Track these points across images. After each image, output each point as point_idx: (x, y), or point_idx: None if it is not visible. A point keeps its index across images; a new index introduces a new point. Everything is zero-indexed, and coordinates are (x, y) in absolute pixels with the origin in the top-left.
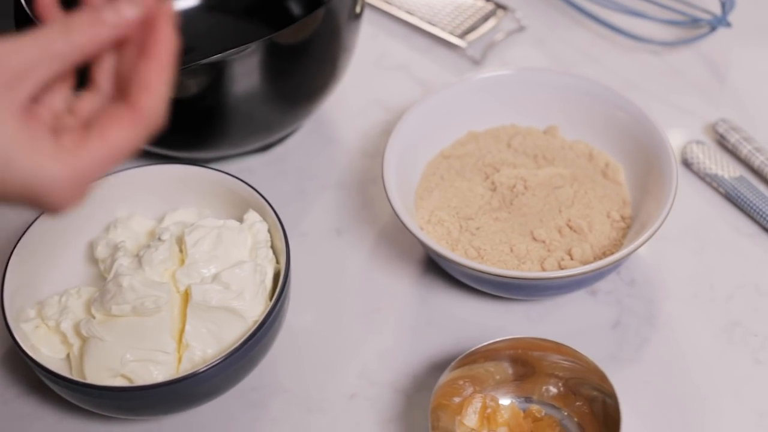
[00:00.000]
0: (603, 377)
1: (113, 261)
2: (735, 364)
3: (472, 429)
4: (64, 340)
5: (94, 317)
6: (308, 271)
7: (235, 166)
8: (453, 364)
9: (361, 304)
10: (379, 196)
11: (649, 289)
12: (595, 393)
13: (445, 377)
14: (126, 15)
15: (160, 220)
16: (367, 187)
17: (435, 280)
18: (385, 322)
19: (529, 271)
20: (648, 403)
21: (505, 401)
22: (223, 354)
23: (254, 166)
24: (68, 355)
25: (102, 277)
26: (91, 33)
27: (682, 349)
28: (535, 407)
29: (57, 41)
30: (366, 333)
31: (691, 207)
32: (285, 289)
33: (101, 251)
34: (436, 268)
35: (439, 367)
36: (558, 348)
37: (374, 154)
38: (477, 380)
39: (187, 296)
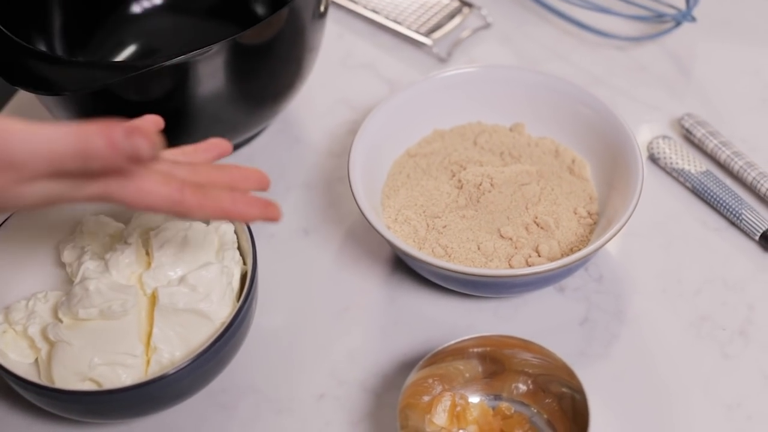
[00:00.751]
0: (571, 374)
1: (80, 265)
2: (703, 359)
3: (442, 428)
4: (32, 344)
5: (61, 321)
6: (276, 272)
7: None
8: (421, 362)
9: (329, 303)
10: (346, 196)
11: (617, 285)
12: (564, 389)
13: (414, 376)
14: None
15: (127, 222)
16: (334, 187)
17: (403, 279)
18: (354, 322)
19: (496, 268)
20: (617, 399)
21: (474, 399)
22: (191, 356)
23: None
24: (36, 360)
25: (69, 280)
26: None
27: (650, 344)
28: (504, 405)
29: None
30: (335, 333)
31: (658, 202)
32: (252, 290)
33: (68, 255)
34: (404, 267)
35: (408, 366)
36: (526, 345)
37: (341, 153)
38: (446, 379)
39: (154, 299)
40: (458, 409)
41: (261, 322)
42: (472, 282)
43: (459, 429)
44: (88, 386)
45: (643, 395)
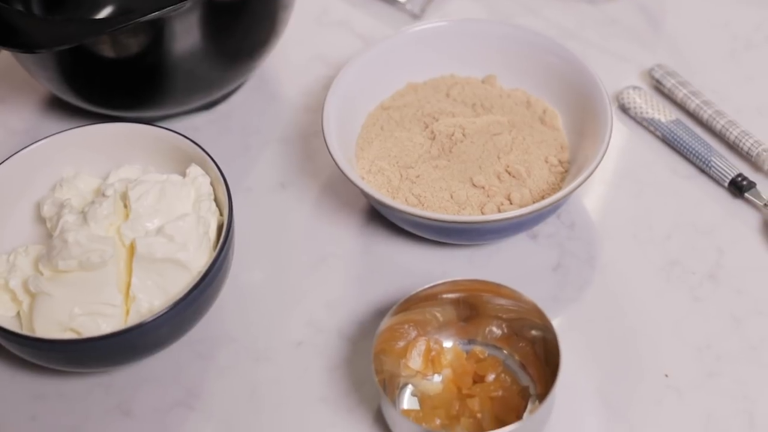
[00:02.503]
0: (542, 316)
1: (59, 218)
2: (674, 302)
3: (417, 372)
4: (14, 297)
5: (42, 274)
6: (254, 225)
7: (180, 124)
8: (394, 308)
9: (306, 254)
10: (322, 150)
11: (588, 232)
12: (536, 333)
13: (387, 322)
14: None
15: (105, 178)
16: (310, 141)
17: (378, 230)
18: (331, 272)
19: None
20: (589, 341)
21: (448, 344)
22: (169, 304)
23: (199, 124)
24: (18, 313)
25: (49, 235)
26: None
27: (622, 288)
28: (478, 349)
29: None
30: (312, 283)
31: (628, 151)
32: (228, 238)
33: (47, 210)
34: (379, 218)
35: (384, 313)
36: (498, 289)
37: (316, 108)
38: (420, 324)
39: (132, 250)
40: (433, 353)
41: (238, 273)
42: (445, 229)
43: (433, 373)
44: (68, 336)
45: (615, 337)
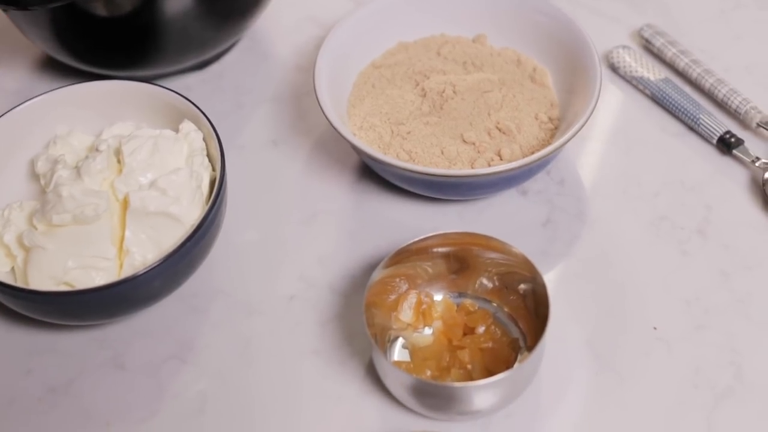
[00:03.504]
0: (532, 268)
1: (53, 174)
2: (662, 256)
3: (408, 324)
4: (8, 252)
5: (36, 228)
6: (246, 182)
7: (173, 84)
8: (385, 260)
9: (298, 211)
10: (313, 109)
11: (578, 188)
12: (525, 285)
13: (378, 274)
14: None
15: (99, 135)
16: (302, 100)
17: (370, 186)
18: (322, 228)
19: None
20: (578, 295)
21: (438, 297)
22: (162, 257)
23: (192, 84)
24: (12, 268)
25: (43, 192)
26: None
27: (611, 243)
28: (468, 301)
29: None
30: (304, 238)
31: (618, 109)
32: (221, 192)
33: (41, 166)
34: (371, 174)
35: (375, 267)
36: (487, 242)
37: (308, 68)
38: (411, 278)
39: (125, 204)
40: (423, 306)
41: (231, 229)
42: (436, 183)
43: (424, 326)
44: (63, 289)
45: (604, 291)
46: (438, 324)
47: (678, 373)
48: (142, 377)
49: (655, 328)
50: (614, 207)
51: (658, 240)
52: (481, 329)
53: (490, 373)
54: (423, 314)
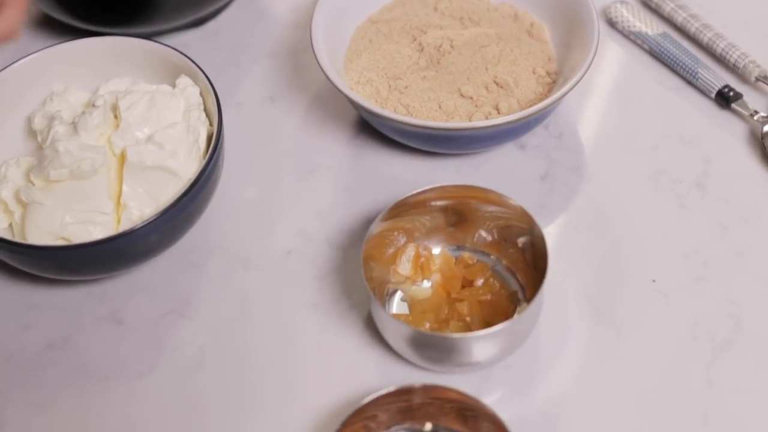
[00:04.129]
0: (529, 218)
1: (50, 130)
2: (661, 209)
3: (406, 277)
4: (6, 208)
5: (33, 184)
6: (243, 138)
7: (170, 41)
8: (383, 214)
9: (295, 166)
10: (310, 65)
11: (576, 142)
12: (524, 239)
13: (376, 228)
14: None
15: (95, 91)
16: (299, 57)
17: (367, 141)
18: (320, 183)
19: None
20: (577, 248)
21: (437, 250)
22: (160, 211)
23: (188, 41)
24: (10, 225)
25: (40, 149)
26: None
27: (609, 196)
28: (467, 254)
29: None
30: (301, 193)
31: (616, 64)
32: (219, 145)
33: (38, 122)
34: (368, 129)
35: (373, 221)
36: (485, 195)
37: (305, 25)
38: (409, 231)
39: (122, 158)
40: (422, 259)
41: (228, 184)
42: (433, 137)
43: (422, 279)
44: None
45: (603, 244)
46: (436, 277)
47: (677, 325)
48: (140, 332)
49: (653, 281)
50: (612, 161)
51: (657, 193)
52: (479, 282)
53: (488, 325)
54: (421, 267)
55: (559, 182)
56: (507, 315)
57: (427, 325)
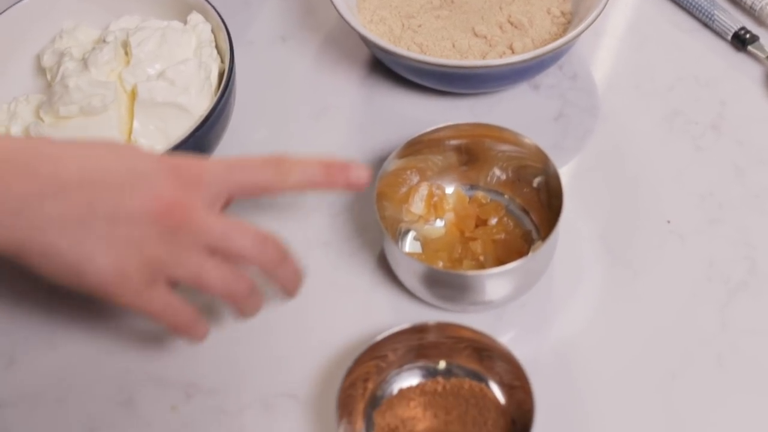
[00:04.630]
0: (545, 159)
1: (59, 66)
2: (676, 151)
3: (420, 216)
4: None
5: (43, 121)
6: (255, 78)
7: None
8: (396, 152)
9: (308, 105)
10: (322, 4)
11: (591, 83)
12: (539, 178)
13: (389, 165)
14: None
15: (105, 28)
16: None
17: (380, 80)
18: (332, 122)
19: None
20: (591, 189)
21: (450, 189)
22: (170, 146)
23: None
24: None
25: (49, 86)
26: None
27: (624, 137)
28: (480, 193)
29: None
30: (313, 133)
31: (631, 5)
32: (230, 82)
33: (48, 60)
34: (381, 69)
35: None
36: (500, 133)
37: None
38: (422, 171)
39: (133, 95)
40: (435, 198)
41: (240, 125)
42: (447, 76)
43: (435, 218)
44: None
45: (617, 185)
46: (450, 216)
47: (691, 266)
48: None
49: (668, 222)
50: (627, 102)
51: (672, 135)
52: (493, 221)
53: (502, 264)
54: (434, 206)
55: (573, 123)
56: (521, 254)
57: (441, 264)
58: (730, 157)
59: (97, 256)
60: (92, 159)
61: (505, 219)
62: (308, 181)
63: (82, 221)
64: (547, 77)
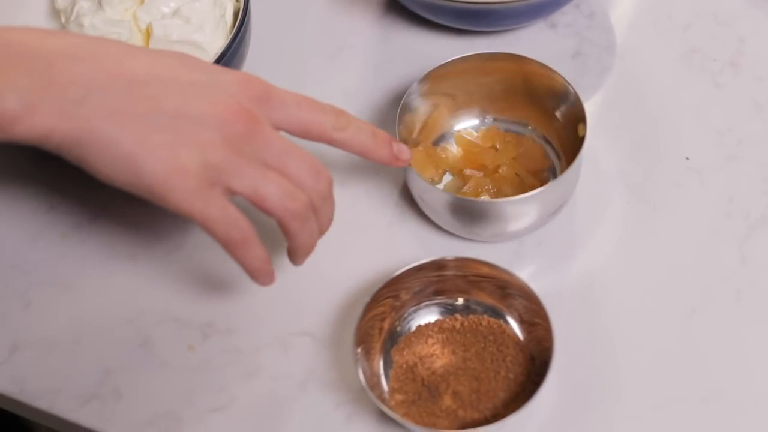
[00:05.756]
0: (568, 88)
1: (74, 7)
2: (694, 88)
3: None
4: None
5: None
6: (269, 18)
7: None
8: (418, 82)
9: (323, 45)
10: None
11: (608, 21)
12: (562, 108)
13: (411, 97)
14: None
15: None
16: None
17: (396, 20)
18: (348, 62)
19: None
20: (610, 126)
21: (469, 123)
22: None
23: None
24: None
25: (64, 28)
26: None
27: (642, 74)
28: (502, 125)
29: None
30: (328, 73)
31: None
32: (246, 20)
33: (62, 1)
34: (397, 8)
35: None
36: (523, 63)
37: None
38: (443, 103)
39: (148, 33)
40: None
41: (255, 66)
42: (464, 12)
43: (444, 172)
44: None
45: (636, 122)
46: (457, 161)
47: (711, 202)
48: (169, 212)
49: (687, 159)
50: (645, 40)
51: (690, 72)
52: (513, 153)
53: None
54: (435, 165)
55: (591, 60)
56: (543, 182)
57: (466, 188)
58: (749, 93)
59: (158, 150)
60: (162, 61)
61: (529, 145)
62: (358, 142)
63: (147, 115)
64: (564, 15)
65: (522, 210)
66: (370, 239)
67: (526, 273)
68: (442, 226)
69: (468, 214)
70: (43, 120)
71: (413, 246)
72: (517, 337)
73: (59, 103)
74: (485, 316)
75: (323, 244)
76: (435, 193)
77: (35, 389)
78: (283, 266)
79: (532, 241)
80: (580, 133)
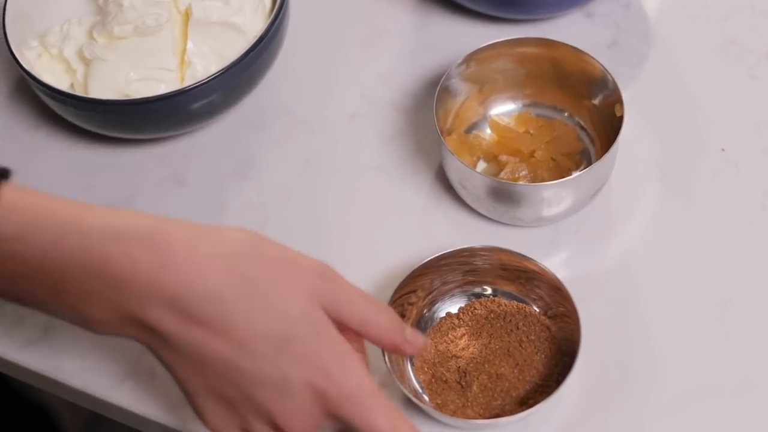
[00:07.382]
0: (605, 76)
1: None
2: (731, 79)
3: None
4: (68, 67)
5: (97, 41)
6: (307, 2)
7: None
8: (456, 65)
9: (360, 30)
10: None
11: (644, 12)
12: (599, 96)
13: (450, 80)
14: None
15: None
16: None
17: (433, 7)
18: (385, 47)
19: None
20: (646, 116)
21: (505, 108)
22: (224, 67)
23: None
24: (72, 85)
25: (101, 10)
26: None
27: (678, 65)
28: (537, 110)
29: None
30: (365, 57)
31: None
32: (284, 3)
33: None
34: None
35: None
36: (561, 49)
37: None
38: (481, 86)
39: (187, 15)
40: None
41: (292, 49)
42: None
43: (478, 159)
44: None
45: (672, 113)
46: (490, 146)
47: (746, 194)
48: (203, 192)
49: (723, 150)
50: (681, 31)
51: (727, 64)
52: (547, 137)
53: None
54: (469, 151)
55: (627, 51)
56: (578, 165)
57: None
58: None
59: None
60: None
61: (564, 131)
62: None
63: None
64: (601, 5)
65: (562, 193)
66: (405, 224)
67: (558, 260)
68: (481, 211)
69: (508, 198)
70: None
71: (447, 231)
72: (546, 326)
73: None
74: (514, 303)
75: (358, 228)
76: (476, 179)
77: (70, 368)
78: (322, 245)
79: (565, 230)
80: (618, 114)
